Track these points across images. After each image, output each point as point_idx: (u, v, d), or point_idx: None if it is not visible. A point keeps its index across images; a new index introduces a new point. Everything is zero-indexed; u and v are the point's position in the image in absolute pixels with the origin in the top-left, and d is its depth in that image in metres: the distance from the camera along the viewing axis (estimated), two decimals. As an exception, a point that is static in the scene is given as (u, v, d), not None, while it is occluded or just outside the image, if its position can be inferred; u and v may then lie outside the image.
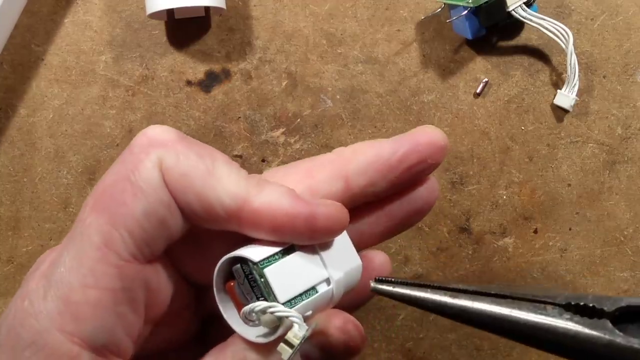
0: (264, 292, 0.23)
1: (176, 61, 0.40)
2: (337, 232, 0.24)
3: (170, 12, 0.39)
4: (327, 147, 0.39)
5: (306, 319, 0.23)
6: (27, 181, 0.39)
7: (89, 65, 0.39)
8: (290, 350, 0.22)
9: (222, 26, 0.40)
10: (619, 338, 0.21)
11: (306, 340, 0.22)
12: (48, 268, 0.22)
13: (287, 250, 0.24)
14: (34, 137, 0.39)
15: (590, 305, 0.21)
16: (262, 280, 0.23)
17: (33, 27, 0.39)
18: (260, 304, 0.22)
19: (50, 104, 0.39)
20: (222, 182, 0.24)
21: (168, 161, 0.23)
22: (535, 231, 0.39)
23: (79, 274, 0.22)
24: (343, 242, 0.25)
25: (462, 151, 0.39)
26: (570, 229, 0.39)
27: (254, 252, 0.23)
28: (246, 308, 0.23)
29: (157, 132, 0.23)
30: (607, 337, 0.21)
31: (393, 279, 0.24)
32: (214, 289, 0.23)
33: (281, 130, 0.39)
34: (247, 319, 0.23)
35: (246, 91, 0.39)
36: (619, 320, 0.21)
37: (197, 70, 0.39)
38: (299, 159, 0.39)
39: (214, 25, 0.40)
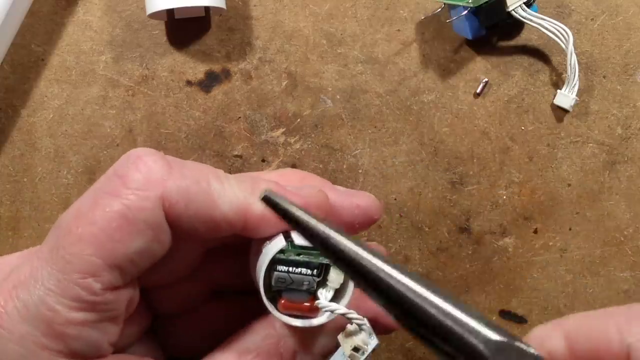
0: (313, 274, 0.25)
1: (176, 61, 0.40)
2: (326, 211, 0.26)
3: (170, 12, 0.39)
4: (327, 147, 0.39)
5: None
6: (27, 181, 0.39)
7: (89, 65, 0.39)
8: (360, 357, 0.24)
9: (222, 26, 0.40)
10: None
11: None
12: (19, 287, 0.22)
13: (287, 236, 0.25)
14: (34, 137, 0.39)
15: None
16: (317, 262, 0.25)
17: (33, 27, 0.39)
18: (340, 309, 0.24)
19: (50, 104, 0.39)
20: (223, 199, 0.24)
21: (171, 198, 0.23)
22: (535, 231, 0.39)
23: (62, 298, 0.22)
24: None
25: (462, 151, 0.39)
26: (570, 229, 0.39)
27: (298, 239, 0.25)
28: (323, 306, 0.24)
29: (150, 166, 0.23)
30: None
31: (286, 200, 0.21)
32: (261, 287, 0.24)
33: (281, 130, 0.39)
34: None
35: (246, 91, 0.39)
36: None
37: (197, 70, 0.39)
38: (299, 159, 0.39)
39: (214, 25, 0.40)
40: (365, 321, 0.24)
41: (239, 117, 0.39)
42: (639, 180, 0.39)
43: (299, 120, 0.39)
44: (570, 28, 0.37)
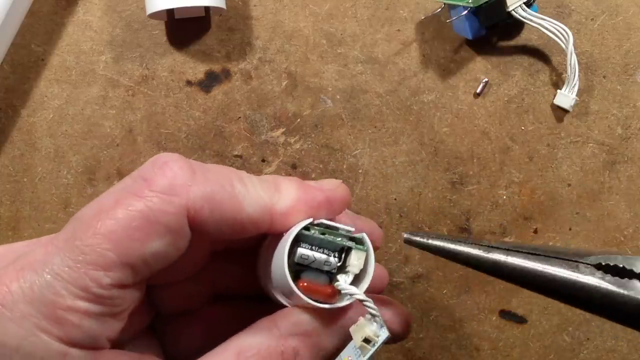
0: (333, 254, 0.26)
1: (176, 61, 0.40)
2: (348, 203, 0.27)
3: (170, 12, 0.39)
4: (327, 147, 0.39)
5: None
6: (27, 181, 0.39)
7: (89, 65, 0.39)
8: (371, 348, 0.24)
9: (222, 26, 0.40)
10: None
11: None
12: (27, 269, 0.22)
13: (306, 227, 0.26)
14: (34, 137, 0.39)
15: (621, 265, 0.22)
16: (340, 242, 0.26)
17: (33, 27, 0.39)
18: (359, 294, 0.25)
19: (50, 104, 0.39)
20: (248, 201, 0.25)
21: (195, 204, 0.23)
22: (535, 231, 0.39)
23: (70, 285, 0.22)
24: None
25: (462, 151, 0.39)
26: (570, 229, 0.39)
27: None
28: (343, 289, 0.25)
29: (176, 172, 0.24)
30: (637, 297, 0.21)
31: (424, 233, 0.25)
32: (285, 263, 0.25)
33: (281, 130, 0.39)
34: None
35: (246, 91, 0.39)
36: None
37: (197, 70, 0.39)
38: (299, 159, 0.39)
39: (214, 25, 0.40)
40: (378, 312, 0.24)
41: (239, 117, 0.39)
42: (639, 180, 0.39)
43: (299, 120, 0.39)
44: (570, 28, 0.37)
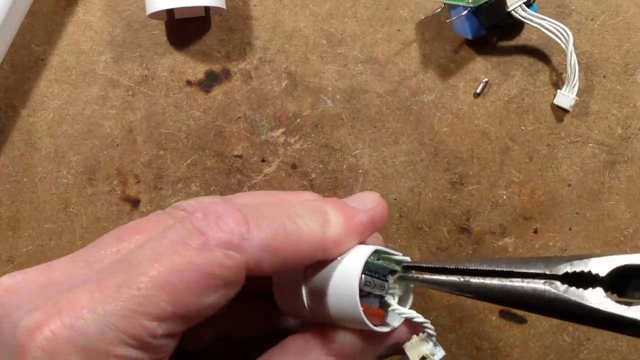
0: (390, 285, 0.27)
1: (176, 61, 0.40)
2: (386, 218, 0.29)
3: (170, 12, 0.39)
4: (327, 147, 0.39)
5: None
6: (27, 181, 0.39)
7: (89, 65, 0.39)
8: None
9: (222, 26, 0.40)
10: (610, 305, 0.23)
11: None
12: (74, 314, 0.22)
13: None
14: (34, 137, 0.39)
15: (587, 271, 0.24)
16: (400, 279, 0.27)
17: (33, 27, 0.39)
18: (417, 316, 0.26)
19: (50, 104, 0.39)
20: (304, 239, 0.25)
21: (255, 256, 0.24)
22: (535, 231, 0.39)
23: (122, 335, 0.22)
24: None
25: (462, 151, 0.39)
26: (570, 229, 0.39)
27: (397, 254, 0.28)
28: (401, 312, 0.26)
29: (232, 227, 0.24)
30: (592, 305, 0.23)
31: (415, 264, 0.27)
32: (357, 296, 0.25)
33: (281, 130, 0.39)
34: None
35: (246, 91, 0.39)
36: (616, 282, 0.24)
37: (197, 70, 0.39)
38: (299, 159, 0.39)
39: (214, 25, 0.40)
40: (435, 332, 0.26)
41: (239, 117, 0.39)
42: (639, 180, 0.39)
43: (299, 120, 0.39)
44: (570, 28, 0.37)
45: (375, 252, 0.26)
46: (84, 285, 0.23)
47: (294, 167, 0.39)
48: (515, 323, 0.39)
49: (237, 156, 0.39)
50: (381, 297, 0.27)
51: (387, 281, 0.27)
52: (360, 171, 0.39)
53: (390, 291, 0.27)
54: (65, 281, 0.24)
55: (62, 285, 0.24)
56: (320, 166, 0.39)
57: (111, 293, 0.22)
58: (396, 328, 0.27)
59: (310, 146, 0.39)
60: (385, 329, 0.26)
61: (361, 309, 0.25)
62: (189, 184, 0.39)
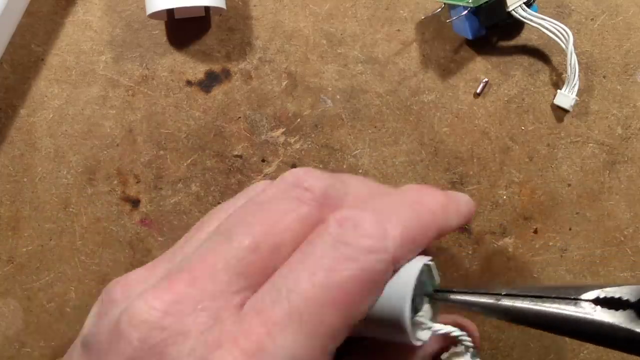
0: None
1: (176, 61, 0.40)
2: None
3: (170, 12, 0.39)
4: (327, 147, 0.39)
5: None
6: (27, 181, 0.39)
7: (89, 65, 0.39)
8: None
9: (222, 26, 0.40)
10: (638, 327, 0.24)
11: None
12: (251, 355, 0.21)
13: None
14: (34, 137, 0.39)
15: (617, 297, 0.24)
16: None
17: (33, 27, 0.39)
18: (454, 330, 0.26)
19: (50, 104, 0.39)
20: (432, 225, 0.26)
21: (398, 253, 0.24)
22: (535, 231, 0.39)
23: (251, 356, 0.21)
24: None
25: (462, 151, 0.39)
26: (570, 229, 0.39)
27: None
28: (441, 330, 0.26)
29: (372, 231, 0.24)
30: (627, 327, 0.24)
31: (446, 290, 0.28)
32: (407, 313, 0.25)
33: (281, 130, 0.39)
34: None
35: (246, 91, 0.39)
36: None
37: (197, 70, 0.39)
38: (299, 159, 0.39)
39: (214, 25, 0.40)
40: (472, 344, 0.26)
41: (239, 117, 0.39)
42: (639, 180, 0.39)
43: (299, 120, 0.39)
44: (570, 28, 0.37)
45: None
46: (250, 318, 0.22)
47: (294, 167, 0.39)
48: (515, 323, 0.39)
49: (237, 156, 0.39)
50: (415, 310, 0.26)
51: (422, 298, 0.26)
52: (360, 171, 0.39)
53: (418, 306, 0.26)
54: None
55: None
56: (320, 166, 0.39)
57: (284, 323, 0.22)
58: (426, 342, 0.26)
59: (310, 146, 0.39)
60: (418, 343, 0.25)
61: (409, 318, 0.24)
62: (189, 184, 0.39)
